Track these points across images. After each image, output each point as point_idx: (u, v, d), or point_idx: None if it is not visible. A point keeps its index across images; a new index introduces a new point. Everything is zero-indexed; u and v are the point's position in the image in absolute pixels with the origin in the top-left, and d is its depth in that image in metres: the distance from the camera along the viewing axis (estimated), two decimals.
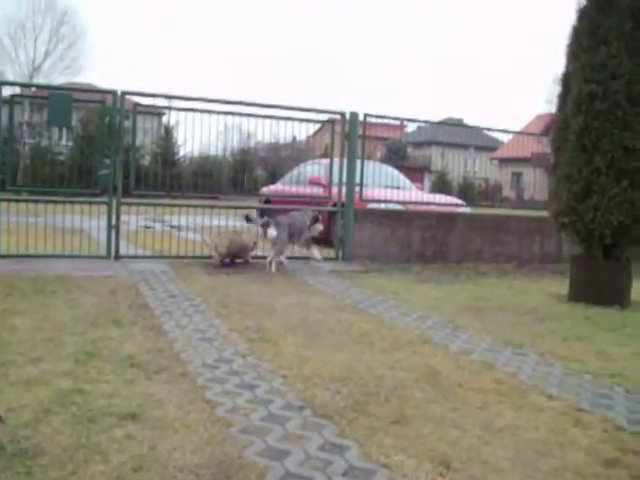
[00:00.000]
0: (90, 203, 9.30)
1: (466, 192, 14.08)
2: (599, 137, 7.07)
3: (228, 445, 2.96)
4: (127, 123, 9.26)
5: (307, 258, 9.71)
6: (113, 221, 8.84)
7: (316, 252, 9.53)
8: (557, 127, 7.74)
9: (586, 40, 7.27)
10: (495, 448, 3.11)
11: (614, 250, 7.46)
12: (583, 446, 3.19)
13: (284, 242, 9.02)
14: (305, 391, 3.75)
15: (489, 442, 3.17)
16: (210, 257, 9.02)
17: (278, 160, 13.62)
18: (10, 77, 42.54)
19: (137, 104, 9.59)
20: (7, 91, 9.60)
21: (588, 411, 3.69)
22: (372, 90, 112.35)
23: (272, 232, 8.86)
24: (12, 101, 9.15)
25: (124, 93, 8.83)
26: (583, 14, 7.40)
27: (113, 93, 8.86)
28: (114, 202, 8.82)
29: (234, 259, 9.03)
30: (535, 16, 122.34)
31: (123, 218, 9.17)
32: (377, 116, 10.60)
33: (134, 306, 5.93)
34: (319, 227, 9.54)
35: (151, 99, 9.51)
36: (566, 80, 7.68)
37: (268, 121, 9.77)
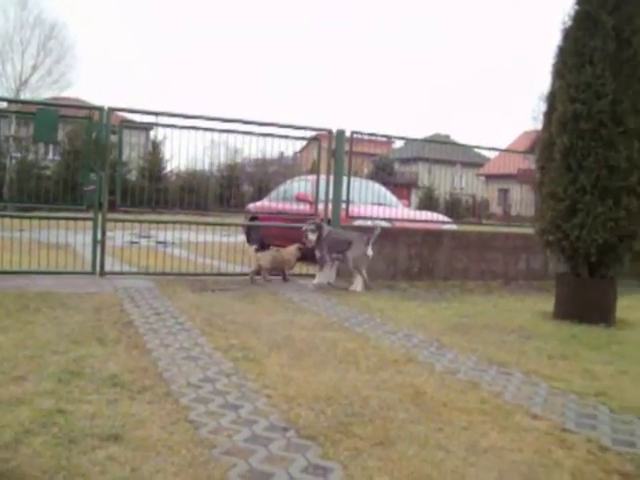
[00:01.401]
0: (75, 219, 9.24)
1: (453, 208, 14.10)
2: (584, 156, 7.12)
3: (211, 467, 2.92)
4: (114, 138, 9.24)
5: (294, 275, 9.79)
6: (99, 237, 8.80)
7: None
8: (542, 146, 7.79)
9: (571, 60, 7.33)
10: (479, 470, 3.09)
11: (599, 268, 7.49)
12: (568, 468, 3.18)
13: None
14: (289, 411, 3.72)
15: (473, 464, 3.15)
16: (197, 274, 9.16)
17: (265, 176, 13.64)
18: None
19: (124, 120, 9.57)
20: None
21: (573, 431, 3.68)
22: (359, 106, 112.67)
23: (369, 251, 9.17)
24: None
25: (111, 109, 8.82)
26: (568, 34, 7.47)
27: (100, 109, 8.84)
28: (100, 217, 8.78)
29: (274, 273, 9.59)
30: (522, 33, 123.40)
31: (109, 234, 9.12)
32: (364, 133, 10.62)
33: (118, 324, 5.89)
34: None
35: (138, 115, 9.50)
36: (551, 99, 7.73)
37: (255, 137, 9.77)
